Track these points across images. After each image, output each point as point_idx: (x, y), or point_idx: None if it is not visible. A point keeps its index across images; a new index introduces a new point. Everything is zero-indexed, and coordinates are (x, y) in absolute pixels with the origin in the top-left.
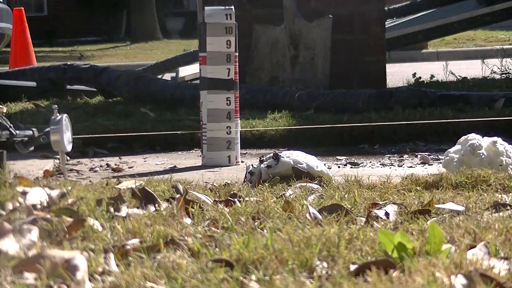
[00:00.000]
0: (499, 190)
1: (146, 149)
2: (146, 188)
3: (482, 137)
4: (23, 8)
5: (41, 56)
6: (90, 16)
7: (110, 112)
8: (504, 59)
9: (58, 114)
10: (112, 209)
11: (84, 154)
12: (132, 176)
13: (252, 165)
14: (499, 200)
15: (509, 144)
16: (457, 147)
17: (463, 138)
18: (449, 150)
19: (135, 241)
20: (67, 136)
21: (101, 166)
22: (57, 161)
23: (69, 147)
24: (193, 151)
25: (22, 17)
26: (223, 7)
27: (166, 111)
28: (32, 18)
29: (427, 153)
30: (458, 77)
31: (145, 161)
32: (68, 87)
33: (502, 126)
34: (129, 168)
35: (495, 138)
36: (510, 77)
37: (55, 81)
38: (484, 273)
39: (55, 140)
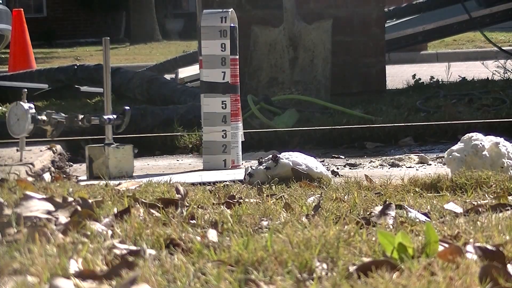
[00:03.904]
0: (499, 191)
1: (144, 153)
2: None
3: (485, 135)
4: (22, 9)
5: (40, 58)
6: (90, 17)
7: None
8: (503, 61)
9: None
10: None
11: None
12: (131, 178)
13: (251, 166)
14: (500, 201)
15: (510, 144)
16: (460, 145)
17: (466, 136)
18: (452, 148)
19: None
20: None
21: None
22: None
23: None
24: (191, 154)
25: (22, 18)
26: (220, 10)
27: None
28: (32, 19)
29: (426, 153)
30: (459, 77)
31: (143, 165)
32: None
33: (501, 127)
34: None
35: (497, 139)
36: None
37: (65, 82)
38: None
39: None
